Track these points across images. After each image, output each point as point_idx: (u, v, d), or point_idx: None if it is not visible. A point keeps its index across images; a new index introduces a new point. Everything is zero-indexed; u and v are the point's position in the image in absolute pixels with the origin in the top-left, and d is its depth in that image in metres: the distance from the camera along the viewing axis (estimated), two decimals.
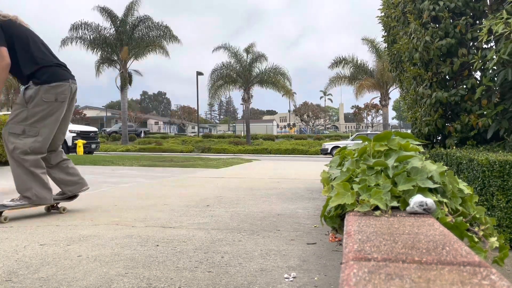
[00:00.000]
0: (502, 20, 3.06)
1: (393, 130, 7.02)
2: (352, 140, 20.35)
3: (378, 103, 29.23)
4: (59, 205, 3.12)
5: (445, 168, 1.43)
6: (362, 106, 55.31)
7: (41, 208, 3.16)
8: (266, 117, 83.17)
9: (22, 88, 2.95)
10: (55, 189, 3.11)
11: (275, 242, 2.20)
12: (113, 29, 25.77)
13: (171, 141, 30.17)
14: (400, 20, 4.58)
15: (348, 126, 65.27)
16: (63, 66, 2.99)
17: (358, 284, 0.68)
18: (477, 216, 1.37)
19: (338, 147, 12.25)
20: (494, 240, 1.22)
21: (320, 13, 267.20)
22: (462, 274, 0.73)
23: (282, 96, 28.23)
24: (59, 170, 3.11)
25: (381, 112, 33.59)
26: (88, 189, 3.27)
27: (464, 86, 3.85)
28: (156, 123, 56.77)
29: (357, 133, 25.97)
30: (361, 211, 1.29)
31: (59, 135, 3.07)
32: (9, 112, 16.33)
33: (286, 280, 1.62)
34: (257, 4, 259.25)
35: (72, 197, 3.18)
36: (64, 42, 24.98)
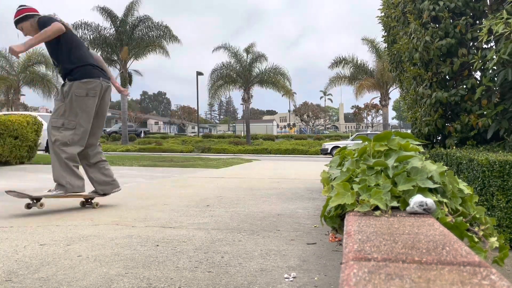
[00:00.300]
0: (502, 20, 3.06)
1: (393, 130, 7.02)
2: (352, 140, 20.34)
3: (378, 103, 29.23)
4: (93, 201, 3.38)
5: (445, 168, 1.43)
6: (362, 106, 55.33)
7: (76, 203, 3.35)
8: (266, 117, 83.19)
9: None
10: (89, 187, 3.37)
11: (275, 242, 2.20)
12: (113, 29, 25.77)
13: (171, 141, 30.16)
14: (400, 20, 4.58)
15: (348, 126, 65.27)
16: (96, 66, 3.27)
17: (358, 284, 0.68)
18: (477, 216, 1.37)
19: (338, 147, 12.25)
20: (494, 240, 1.22)
21: (320, 13, 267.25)
22: (462, 274, 0.73)
23: (282, 96, 28.23)
24: (96, 170, 3.39)
25: (381, 112, 33.59)
26: (120, 190, 3.55)
27: (464, 86, 3.85)
28: (156, 123, 56.78)
29: (357, 133, 25.97)
30: (361, 211, 1.28)
31: (95, 130, 3.33)
32: (9, 112, 16.20)
33: (286, 280, 1.62)
34: (257, 4, 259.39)
35: (103, 195, 3.44)
36: None
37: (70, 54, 3.16)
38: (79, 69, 3.14)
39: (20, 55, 3.11)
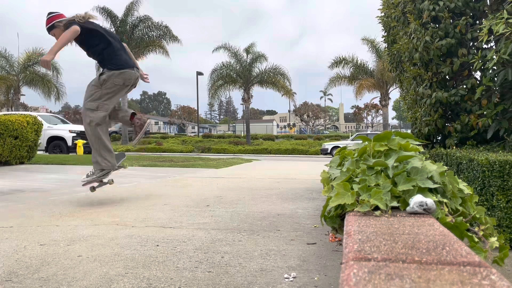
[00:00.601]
0: (503, 20, 3.06)
1: (393, 130, 7.01)
2: (352, 140, 20.33)
3: (378, 103, 29.21)
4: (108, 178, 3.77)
5: (445, 168, 1.43)
6: (362, 106, 55.31)
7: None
8: (266, 117, 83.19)
9: (97, 72, 3.74)
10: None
11: (275, 242, 2.20)
12: (113, 29, 25.74)
13: (171, 141, 30.15)
14: (400, 20, 4.57)
15: (348, 126, 65.28)
16: (129, 58, 3.69)
17: (358, 284, 0.68)
18: (477, 216, 1.37)
19: (338, 147, 12.26)
20: (494, 240, 1.22)
21: (320, 13, 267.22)
22: (462, 274, 0.73)
23: (282, 96, 28.21)
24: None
25: (381, 112, 33.58)
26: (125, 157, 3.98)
27: (464, 86, 3.85)
28: (156, 123, 56.74)
29: (357, 133, 25.96)
30: (361, 211, 1.28)
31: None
32: (9, 112, 16.19)
33: (286, 280, 1.62)
34: (257, 4, 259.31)
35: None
36: None
37: (107, 47, 3.51)
38: (117, 60, 3.52)
39: (49, 64, 3.39)
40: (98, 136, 3.50)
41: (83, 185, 3.63)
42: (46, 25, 3.53)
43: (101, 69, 3.63)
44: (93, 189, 3.64)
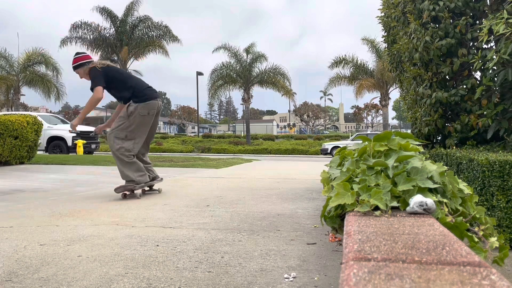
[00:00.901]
0: (503, 20, 3.06)
1: (393, 130, 7.01)
2: (352, 140, 20.33)
3: (378, 103, 29.20)
4: (155, 187, 4.26)
5: (445, 168, 1.43)
6: (362, 106, 55.27)
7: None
8: (266, 117, 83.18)
9: (123, 104, 4.08)
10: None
11: (275, 242, 2.20)
12: (113, 29, 25.75)
13: (171, 141, 30.14)
14: (400, 20, 4.57)
15: (348, 126, 65.27)
16: (152, 88, 4.11)
17: (358, 284, 0.68)
18: (477, 216, 1.37)
19: (338, 147, 12.25)
20: (494, 240, 1.22)
21: (320, 13, 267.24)
22: (462, 274, 0.73)
23: (282, 96, 28.19)
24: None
25: (381, 112, 33.58)
26: (161, 180, 4.40)
27: (464, 86, 3.85)
28: None
29: (357, 133, 25.96)
30: (361, 211, 1.28)
31: (149, 139, 4.20)
32: (9, 112, 16.23)
33: (286, 280, 1.62)
34: (257, 4, 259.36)
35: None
36: (63, 42, 24.95)
37: (128, 84, 3.97)
38: (141, 93, 3.94)
39: (76, 126, 4.10)
40: (127, 163, 3.88)
41: (116, 191, 3.89)
42: (73, 64, 4.00)
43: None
44: (124, 196, 3.89)
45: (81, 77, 4.03)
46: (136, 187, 3.85)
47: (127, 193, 3.86)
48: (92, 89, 3.86)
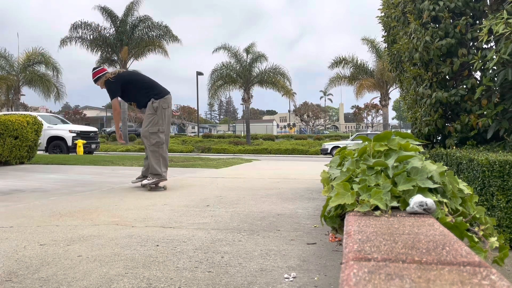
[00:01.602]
0: (503, 20, 3.06)
1: (393, 130, 7.01)
2: (352, 140, 20.33)
3: (378, 103, 29.19)
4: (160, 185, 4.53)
5: (445, 168, 1.43)
6: (362, 106, 55.29)
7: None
8: (266, 117, 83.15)
9: (148, 103, 4.52)
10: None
11: (275, 242, 2.20)
12: (113, 29, 25.74)
13: (171, 141, 30.10)
14: (400, 20, 4.57)
15: (348, 126, 65.27)
16: (163, 86, 4.64)
17: (358, 284, 0.68)
18: (477, 216, 1.37)
19: (338, 147, 12.24)
20: (494, 240, 1.22)
21: (320, 13, 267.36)
22: (462, 274, 0.73)
23: (282, 96, 28.18)
24: None
25: (381, 112, 33.58)
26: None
27: (464, 86, 3.85)
28: None
29: (357, 133, 25.96)
30: (361, 211, 1.29)
31: (168, 130, 4.64)
32: (9, 112, 16.27)
33: (286, 280, 1.62)
34: (257, 4, 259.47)
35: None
36: (63, 42, 24.95)
37: (144, 87, 4.51)
38: (158, 91, 4.50)
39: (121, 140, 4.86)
40: (162, 154, 4.40)
41: (142, 185, 4.49)
42: (93, 78, 4.54)
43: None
44: (149, 187, 4.39)
45: (101, 88, 4.58)
46: (159, 181, 4.37)
47: (153, 186, 4.37)
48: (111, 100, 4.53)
